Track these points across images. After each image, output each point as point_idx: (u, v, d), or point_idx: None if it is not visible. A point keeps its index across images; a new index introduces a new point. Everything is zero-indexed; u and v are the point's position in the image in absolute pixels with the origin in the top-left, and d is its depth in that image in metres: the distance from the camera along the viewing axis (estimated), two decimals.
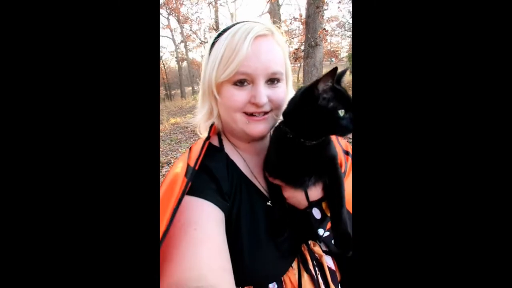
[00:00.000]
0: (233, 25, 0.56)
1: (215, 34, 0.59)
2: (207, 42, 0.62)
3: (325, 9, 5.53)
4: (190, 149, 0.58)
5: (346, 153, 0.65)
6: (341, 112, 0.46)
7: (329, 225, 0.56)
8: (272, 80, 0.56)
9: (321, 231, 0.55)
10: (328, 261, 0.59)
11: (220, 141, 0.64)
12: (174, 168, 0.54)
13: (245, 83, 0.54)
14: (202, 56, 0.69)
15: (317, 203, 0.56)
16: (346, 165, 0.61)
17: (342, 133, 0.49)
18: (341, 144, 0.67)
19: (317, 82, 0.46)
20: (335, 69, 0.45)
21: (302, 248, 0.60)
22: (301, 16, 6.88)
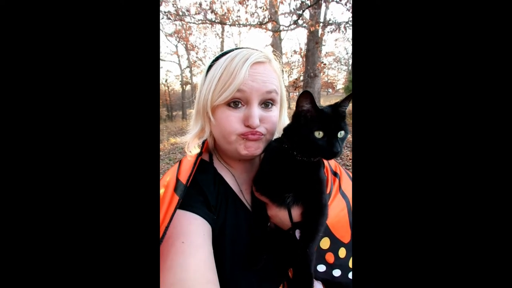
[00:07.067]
0: (232, 50, 0.57)
1: (213, 57, 0.60)
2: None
3: (323, 45, 6.01)
4: (180, 162, 0.58)
5: (334, 174, 0.64)
6: (318, 134, 0.47)
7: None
8: (267, 104, 0.56)
9: None
10: (318, 287, 0.56)
11: (211, 156, 0.65)
12: (162, 181, 0.54)
13: (239, 105, 0.55)
14: None
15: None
16: (332, 186, 0.60)
17: (318, 153, 0.49)
18: (330, 165, 0.66)
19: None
20: (306, 92, 0.47)
21: (289, 273, 0.57)
22: (301, 49, 7.42)
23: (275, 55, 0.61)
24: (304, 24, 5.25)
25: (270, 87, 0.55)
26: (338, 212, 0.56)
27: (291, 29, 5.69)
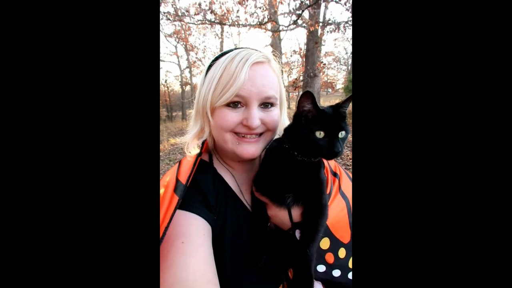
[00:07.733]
0: (231, 50, 0.57)
1: (212, 57, 0.61)
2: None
3: (323, 45, 6.02)
4: (180, 163, 0.58)
5: (334, 174, 0.64)
6: (319, 134, 0.47)
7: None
8: (266, 104, 0.57)
9: None
10: (318, 287, 0.56)
11: (210, 156, 0.65)
12: (162, 181, 0.54)
13: (239, 106, 0.55)
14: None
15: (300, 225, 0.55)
16: (332, 187, 0.60)
17: (319, 153, 0.49)
18: (330, 165, 0.66)
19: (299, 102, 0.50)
20: (307, 92, 0.47)
21: (289, 273, 0.57)
22: (300, 49, 7.43)
23: (274, 55, 0.62)
24: (304, 24, 5.25)
25: (269, 92, 0.55)
26: (338, 213, 0.56)
27: (291, 29, 5.69)
